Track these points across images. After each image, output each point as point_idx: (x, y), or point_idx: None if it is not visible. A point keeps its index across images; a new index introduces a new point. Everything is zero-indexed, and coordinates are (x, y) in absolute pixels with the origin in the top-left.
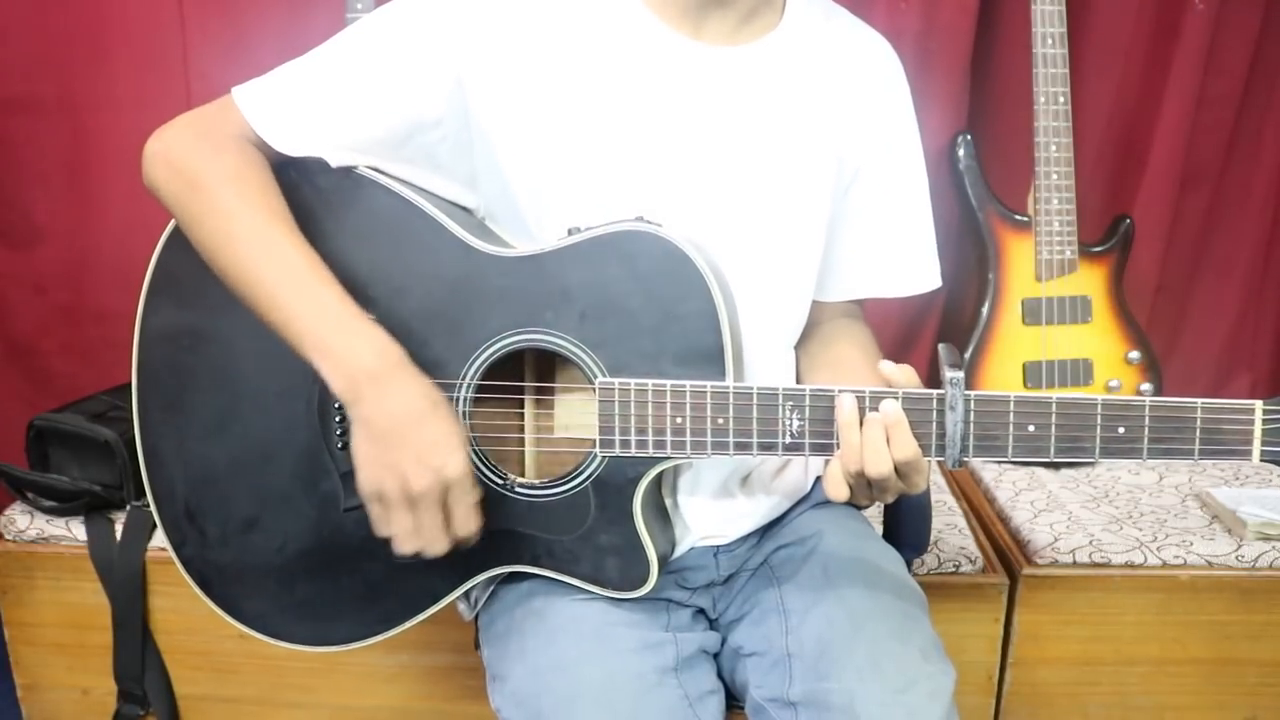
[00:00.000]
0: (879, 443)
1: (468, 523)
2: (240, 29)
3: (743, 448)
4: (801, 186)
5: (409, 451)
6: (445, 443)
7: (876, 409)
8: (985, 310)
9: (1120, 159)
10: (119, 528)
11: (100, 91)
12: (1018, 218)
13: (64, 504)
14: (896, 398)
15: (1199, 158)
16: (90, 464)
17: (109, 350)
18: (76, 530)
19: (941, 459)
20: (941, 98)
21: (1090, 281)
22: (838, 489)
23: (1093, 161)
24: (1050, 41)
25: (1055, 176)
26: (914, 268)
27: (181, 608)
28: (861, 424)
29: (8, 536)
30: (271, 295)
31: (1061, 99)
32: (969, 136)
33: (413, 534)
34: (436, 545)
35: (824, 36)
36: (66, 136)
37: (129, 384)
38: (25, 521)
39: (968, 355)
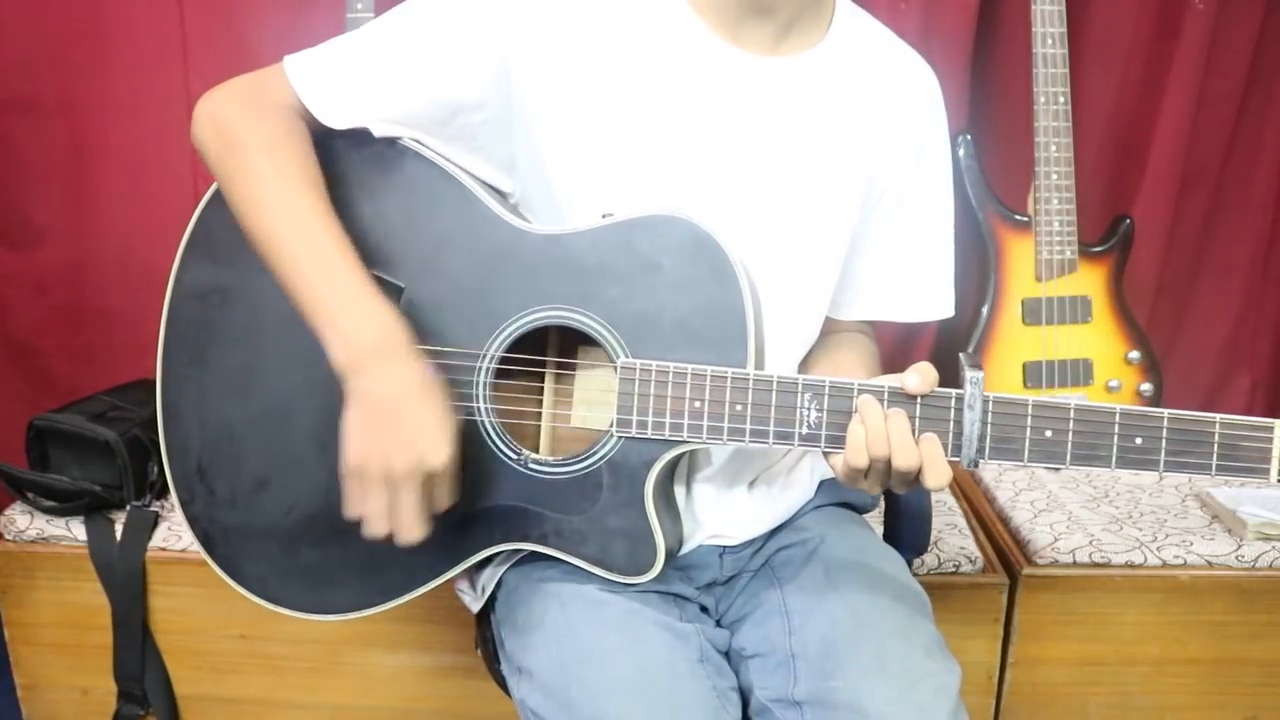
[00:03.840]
0: (906, 435)
1: (440, 505)
2: (240, 29)
3: (759, 436)
4: (829, 200)
5: (397, 432)
6: (434, 430)
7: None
8: (985, 310)
9: (1120, 159)
10: (119, 528)
11: (100, 91)
12: (1018, 218)
13: (64, 504)
14: (913, 415)
15: (1199, 158)
16: (90, 464)
17: (109, 350)
18: (76, 530)
19: (956, 459)
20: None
21: (1090, 281)
22: (858, 459)
23: (1093, 161)
24: (1050, 41)
25: (1055, 176)
26: (930, 296)
27: (181, 608)
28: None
29: (8, 536)
30: (290, 263)
31: (1061, 99)
32: (969, 136)
33: (386, 516)
34: (412, 531)
35: (868, 56)
36: (66, 136)
37: (129, 384)
38: (25, 521)
39: None
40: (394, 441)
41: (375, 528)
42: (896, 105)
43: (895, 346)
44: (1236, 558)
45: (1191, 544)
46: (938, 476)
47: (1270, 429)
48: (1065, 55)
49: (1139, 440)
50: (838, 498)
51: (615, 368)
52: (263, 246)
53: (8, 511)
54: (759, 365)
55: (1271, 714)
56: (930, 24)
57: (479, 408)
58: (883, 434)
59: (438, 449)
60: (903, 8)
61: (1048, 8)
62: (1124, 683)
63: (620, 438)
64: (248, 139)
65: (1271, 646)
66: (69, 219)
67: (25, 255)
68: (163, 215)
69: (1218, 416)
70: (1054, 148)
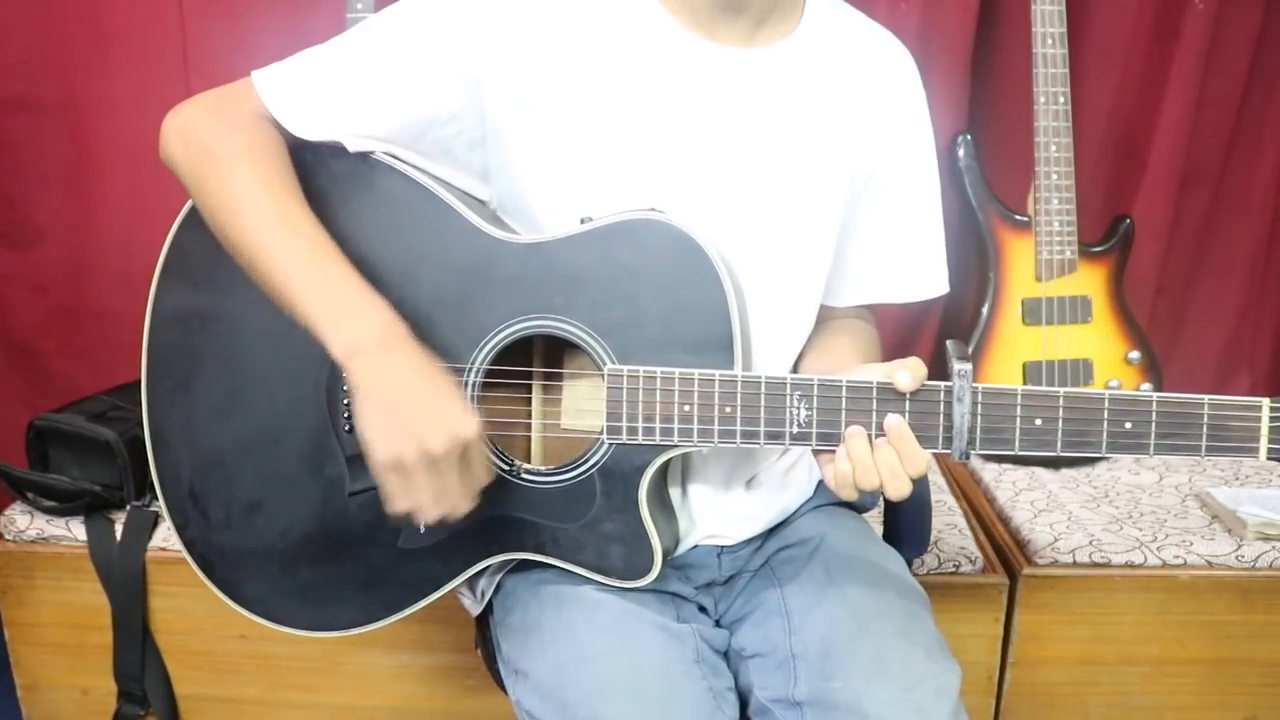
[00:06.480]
0: (895, 465)
1: (484, 477)
2: (240, 29)
3: (749, 437)
4: (812, 191)
5: (423, 414)
6: (455, 403)
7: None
8: (985, 310)
9: (1120, 159)
10: (119, 528)
11: (100, 91)
12: (1018, 218)
13: (64, 504)
14: (902, 411)
15: (1199, 158)
16: (90, 464)
17: (109, 350)
18: (76, 530)
19: (948, 451)
20: (941, 98)
21: (1090, 281)
22: (848, 494)
23: (1093, 161)
24: (1050, 41)
25: (1055, 176)
26: (924, 274)
27: (181, 608)
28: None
29: (8, 536)
30: (278, 267)
31: (1061, 99)
32: (969, 136)
33: (438, 499)
34: (463, 505)
35: (842, 41)
36: (66, 136)
37: (129, 384)
38: (25, 521)
39: None
40: (423, 424)
41: (428, 514)
42: (875, 88)
43: (896, 348)
44: (1236, 558)
45: (1191, 544)
46: (916, 467)
47: (1258, 407)
48: (1065, 55)
49: (1129, 425)
50: (837, 497)
51: (603, 375)
52: (247, 253)
53: (8, 511)
54: (746, 365)
55: (1271, 714)
56: (930, 24)
57: None
58: (871, 468)
59: (465, 419)
60: (903, 8)
61: (1048, 8)
62: (1124, 683)
63: (611, 444)
64: (224, 148)
65: (1271, 646)
66: (69, 219)
67: (25, 255)
68: (163, 215)
69: (1206, 397)
70: (1054, 148)
